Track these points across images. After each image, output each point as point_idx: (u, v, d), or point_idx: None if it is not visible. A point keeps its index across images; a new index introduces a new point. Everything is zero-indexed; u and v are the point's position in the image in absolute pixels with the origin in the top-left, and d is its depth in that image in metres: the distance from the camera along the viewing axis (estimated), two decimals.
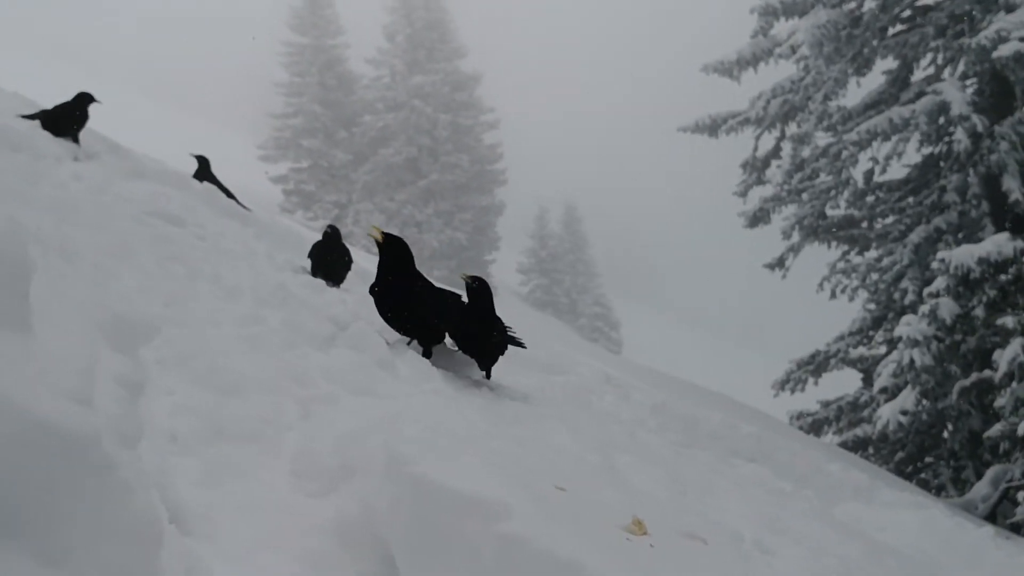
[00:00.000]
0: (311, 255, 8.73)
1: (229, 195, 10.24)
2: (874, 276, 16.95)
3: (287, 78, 42.04)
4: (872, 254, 17.42)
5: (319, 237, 9.06)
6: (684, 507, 3.48)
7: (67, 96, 9.61)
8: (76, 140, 9.39)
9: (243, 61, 56.58)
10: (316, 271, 8.53)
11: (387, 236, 5.50)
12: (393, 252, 5.49)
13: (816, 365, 17.50)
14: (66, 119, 9.41)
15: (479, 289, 5.88)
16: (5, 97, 10.27)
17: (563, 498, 2.65)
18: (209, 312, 4.59)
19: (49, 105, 9.74)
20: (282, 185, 41.62)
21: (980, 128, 14.33)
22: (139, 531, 1.94)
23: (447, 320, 5.58)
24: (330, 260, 8.63)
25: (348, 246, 9.04)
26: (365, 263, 11.58)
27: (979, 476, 14.50)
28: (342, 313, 4.91)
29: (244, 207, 10.23)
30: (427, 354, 5.50)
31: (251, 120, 48.03)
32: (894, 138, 15.53)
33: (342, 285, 8.65)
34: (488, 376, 6.20)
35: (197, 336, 4.15)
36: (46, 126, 9.35)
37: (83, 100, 9.49)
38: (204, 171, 10.50)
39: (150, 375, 3.25)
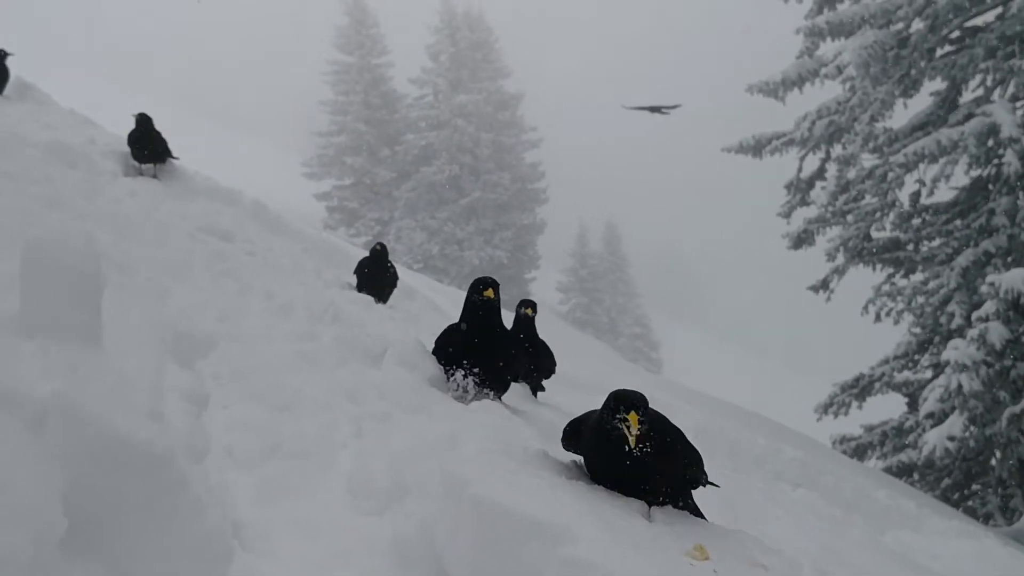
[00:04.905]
0: (358, 272, 8.80)
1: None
2: (920, 299, 16.70)
3: (332, 96, 42.49)
4: (918, 277, 17.17)
5: (364, 253, 9.10)
6: (741, 533, 3.43)
7: (110, 110, 9.71)
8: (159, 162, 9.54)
9: (289, 79, 57.27)
10: (362, 287, 8.60)
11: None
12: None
13: (860, 389, 17.28)
14: (152, 145, 9.50)
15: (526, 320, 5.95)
16: (61, 114, 10.46)
17: (624, 522, 2.64)
18: (262, 328, 4.62)
19: (101, 122, 9.89)
20: (326, 202, 42.04)
21: None
22: (210, 547, 1.95)
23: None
24: (376, 277, 8.71)
25: (393, 263, 9.11)
26: (410, 280, 11.64)
27: None
28: (392, 330, 4.92)
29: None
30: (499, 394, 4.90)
31: (296, 138, 48.54)
32: (942, 160, 15.32)
33: (388, 302, 8.72)
34: (535, 395, 6.22)
35: (251, 352, 4.18)
36: (138, 156, 9.46)
37: (150, 122, 9.55)
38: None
39: (208, 390, 3.27)
